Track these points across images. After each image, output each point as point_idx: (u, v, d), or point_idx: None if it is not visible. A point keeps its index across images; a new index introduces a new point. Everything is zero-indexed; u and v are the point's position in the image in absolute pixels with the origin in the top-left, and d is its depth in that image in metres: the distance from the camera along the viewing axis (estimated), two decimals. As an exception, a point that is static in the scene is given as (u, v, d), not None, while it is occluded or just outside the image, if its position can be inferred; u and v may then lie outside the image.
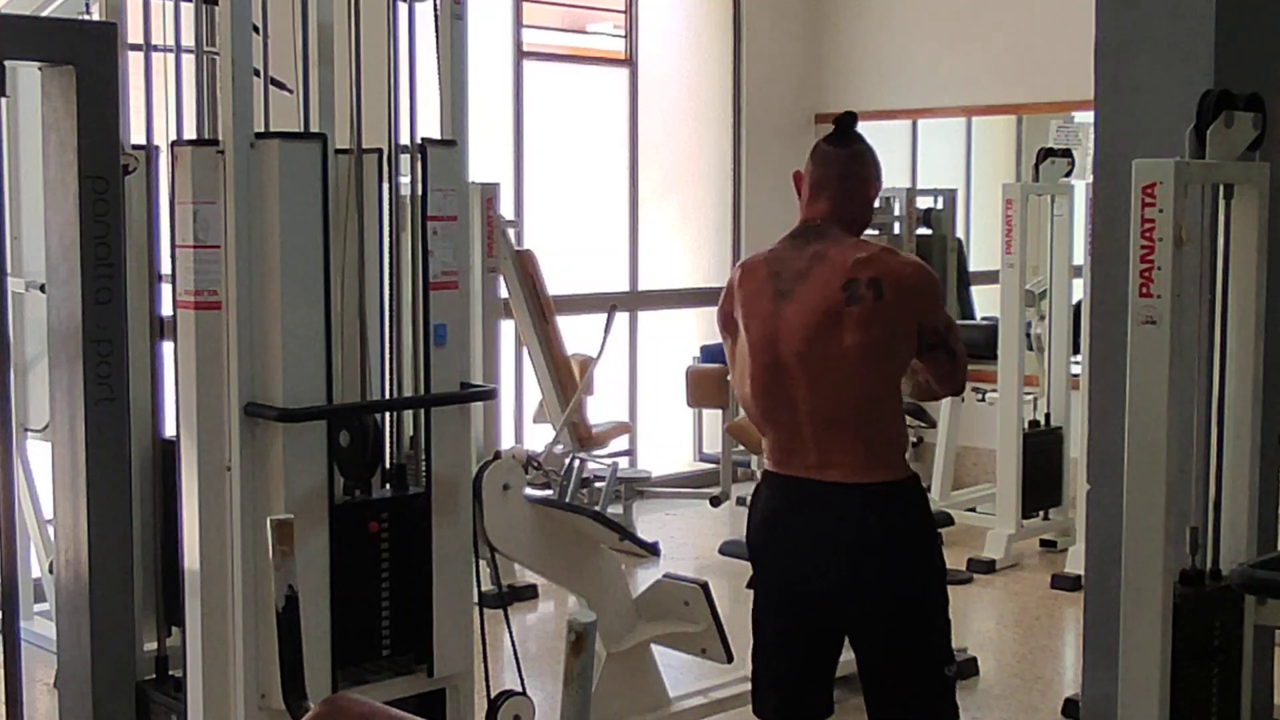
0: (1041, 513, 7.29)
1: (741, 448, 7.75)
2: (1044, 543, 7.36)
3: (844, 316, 3.23)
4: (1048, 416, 7.32)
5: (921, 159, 9.37)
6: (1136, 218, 3.14)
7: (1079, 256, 7.21)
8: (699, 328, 9.19)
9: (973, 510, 7.68)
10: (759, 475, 3.59)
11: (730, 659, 4.66)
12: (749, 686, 4.92)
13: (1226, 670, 3.37)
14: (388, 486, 3.72)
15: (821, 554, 3.32)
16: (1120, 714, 3.23)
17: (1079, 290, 6.96)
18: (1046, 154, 7.28)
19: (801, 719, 3.51)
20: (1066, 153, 7.32)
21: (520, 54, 8.19)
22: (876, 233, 7.78)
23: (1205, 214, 3.36)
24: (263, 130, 3.53)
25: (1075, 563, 6.45)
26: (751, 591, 3.55)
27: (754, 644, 3.56)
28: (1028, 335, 7.29)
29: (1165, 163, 3.14)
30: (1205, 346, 3.40)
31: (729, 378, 3.78)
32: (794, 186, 3.48)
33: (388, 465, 3.73)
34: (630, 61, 8.80)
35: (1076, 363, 7.16)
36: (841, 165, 3.40)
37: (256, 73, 3.58)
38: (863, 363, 3.25)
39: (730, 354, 3.52)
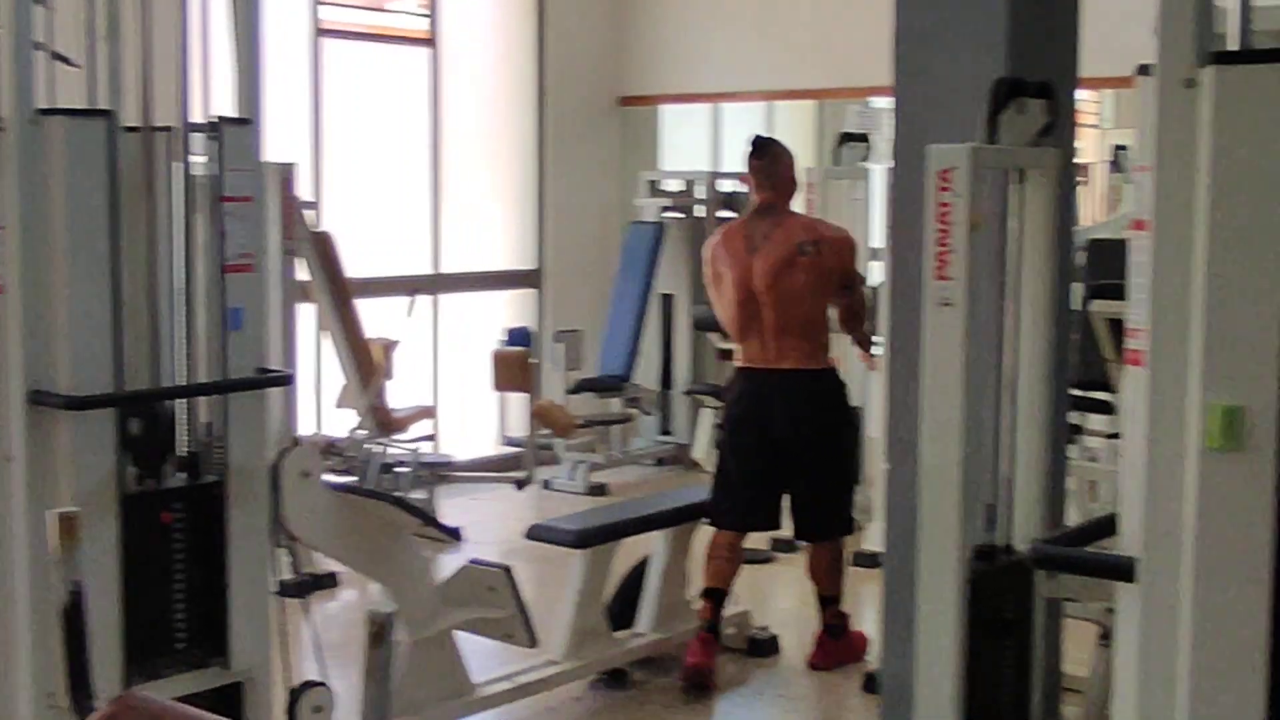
0: (843, 492, 7.38)
1: (547, 430, 7.74)
2: (844, 521, 7.45)
3: (797, 263, 5.15)
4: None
5: (724, 142, 9.45)
6: (932, 202, 3.20)
7: (878, 239, 7.34)
8: (504, 310, 9.15)
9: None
10: (732, 373, 5.51)
11: (534, 643, 4.65)
12: (554, 670, 4.94)
13: (1019, 642, 3.47)
14: (182, 475, 3.62)
15: (782, 413, 5.22)
16: (917, 686, 3.30)
17: (878, 273, 7.09)
18: (845, 138, 7.40)
19: (754, 524, 5.44)
20: (864, 137, 7.44)
21: (318, 31, 8.04)
22: (683, 216, 7.93)
23: (998, 199, 3.44)
24: (46, 107, 3.40)
25: (875, 540, 6.56)
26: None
27: (716, 482, 5.41)
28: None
29: (960, 148, 3.20)
30: (998, 328, 3.48)
31: (713, 310, 5.53)
32: (745, 183, 5.31)
33: (181, 453, 3.63)
34: (433, 41, 8.70)
35: (876, 344, 7.27)
36: (768, 168, 5.32)
37: (39, 46, 3.44)
38: (809, 293, 5.17)
39: (716, 297, 5.34)
